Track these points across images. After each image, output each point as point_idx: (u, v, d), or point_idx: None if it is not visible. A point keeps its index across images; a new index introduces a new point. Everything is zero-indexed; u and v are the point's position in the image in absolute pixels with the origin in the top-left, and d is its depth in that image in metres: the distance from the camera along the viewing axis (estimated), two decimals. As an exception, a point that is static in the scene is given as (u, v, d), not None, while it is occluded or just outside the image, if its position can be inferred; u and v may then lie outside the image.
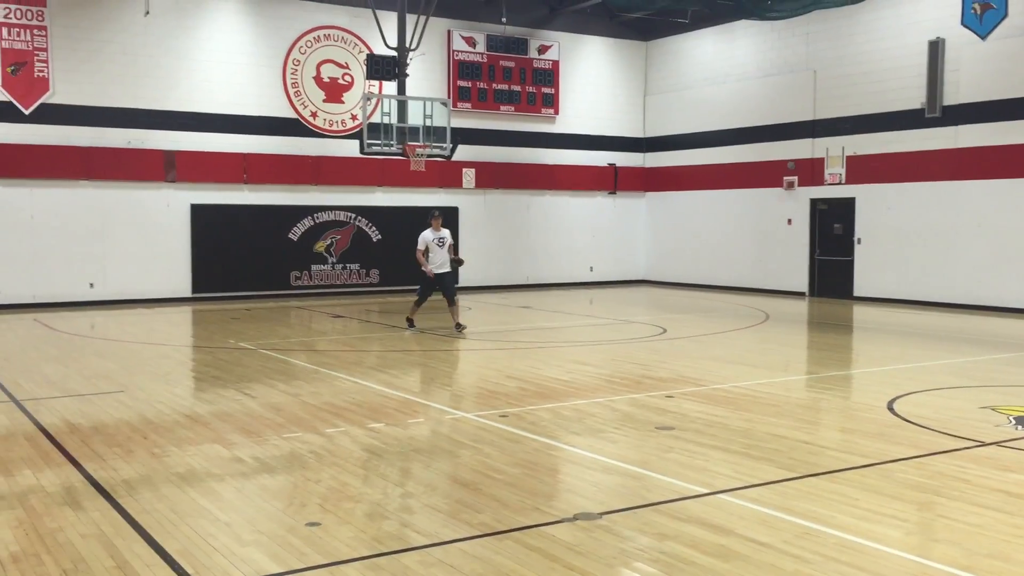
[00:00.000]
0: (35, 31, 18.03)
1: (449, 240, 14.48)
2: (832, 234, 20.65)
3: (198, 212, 19.72)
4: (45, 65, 18.14)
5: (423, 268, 14.20)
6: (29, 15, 17.95)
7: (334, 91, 21.21)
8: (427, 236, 14.30)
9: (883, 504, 5.67)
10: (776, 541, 4.99)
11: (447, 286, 14.24)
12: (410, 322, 14.74)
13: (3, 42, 17.77)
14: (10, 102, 17.90)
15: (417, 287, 14.92)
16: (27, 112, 18.05)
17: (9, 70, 17.85)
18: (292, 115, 20.74)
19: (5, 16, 17.75)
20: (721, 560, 4.72)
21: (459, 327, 14.20)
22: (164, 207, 19.44)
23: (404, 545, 4.95)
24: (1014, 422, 7.93)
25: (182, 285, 19.70)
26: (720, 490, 5.95)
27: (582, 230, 24.48)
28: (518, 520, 5.36)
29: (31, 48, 18.01)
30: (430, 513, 5.51)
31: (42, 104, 18.17)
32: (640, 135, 25.33)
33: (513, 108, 23.29)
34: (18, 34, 17.89)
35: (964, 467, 6.50)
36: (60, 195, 18.43)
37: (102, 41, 18.68)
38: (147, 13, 18.86)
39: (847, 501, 5.72)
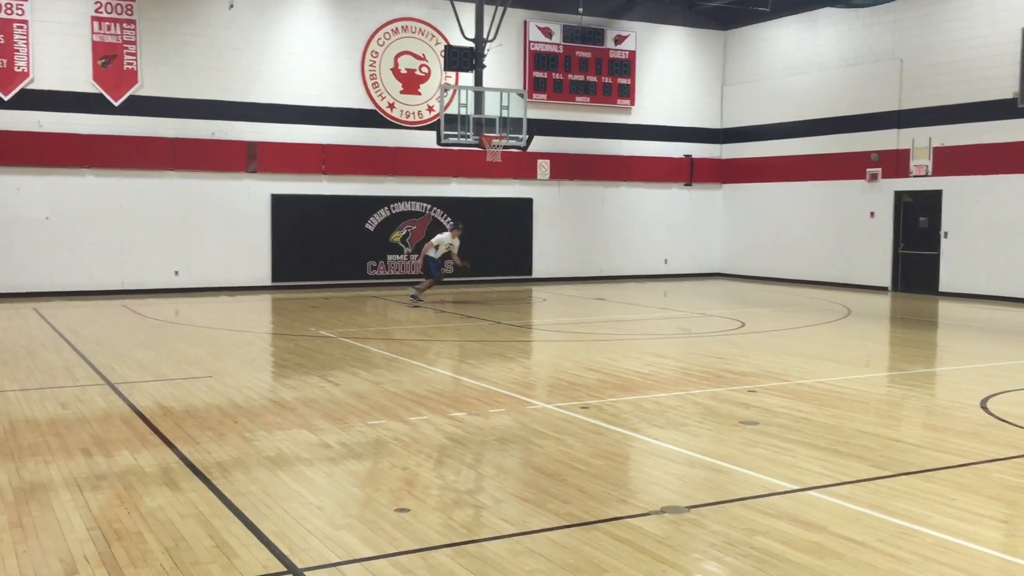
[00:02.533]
0: (124, 25, 18.56)
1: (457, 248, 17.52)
2: (917, 227, 20.11)
3: (278, 202, 20.10)
4: (134, 58, 18.66)
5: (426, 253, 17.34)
6: (119, 9, 18.47)
7: (411, 82, 21.38)
8: (444, 239, 17.43)
9: (981, 505, 5.51)
10: (871, 540, 4.88)
11: (439, 277, 17.86)
12: (416, 298, 17.40)
13: (94, 35, 18.34)
14: (100, 94, 18.46)
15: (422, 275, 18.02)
16: (116, 104, 18.59)
17: (100, 63, 18.41)
18: (370, 106, 20.98)
19: (96, 10, 18.31)
20: (815, 557, 4.65)
21: (415, 298, 17.35)
22: (246, 197, 19.87)
23: (493, 533, 4.98)
24: (1117, 424, 7.62)
25: (262, 273, 20.12)
26: (810, 487, 5.85)
27: (657, 222, 24.28)
28: (605, 511, 5.35)
29: (120, 41, 18.55)
30: (517, 502, 5.53)
31: (131, 96, 18.71)
32: (717, 126, 24.99)
33: (589, 99, 23.18)
34: (108, 28, 18.43)
35: (1066, 469, 6.28)
36: (147, 185, 18.97)
37: (188, 34, 19.14)
38: (231, 6, 19.28)
39: (943, 501, 5.57)
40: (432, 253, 17.28)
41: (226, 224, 19.68)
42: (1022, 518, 5.41)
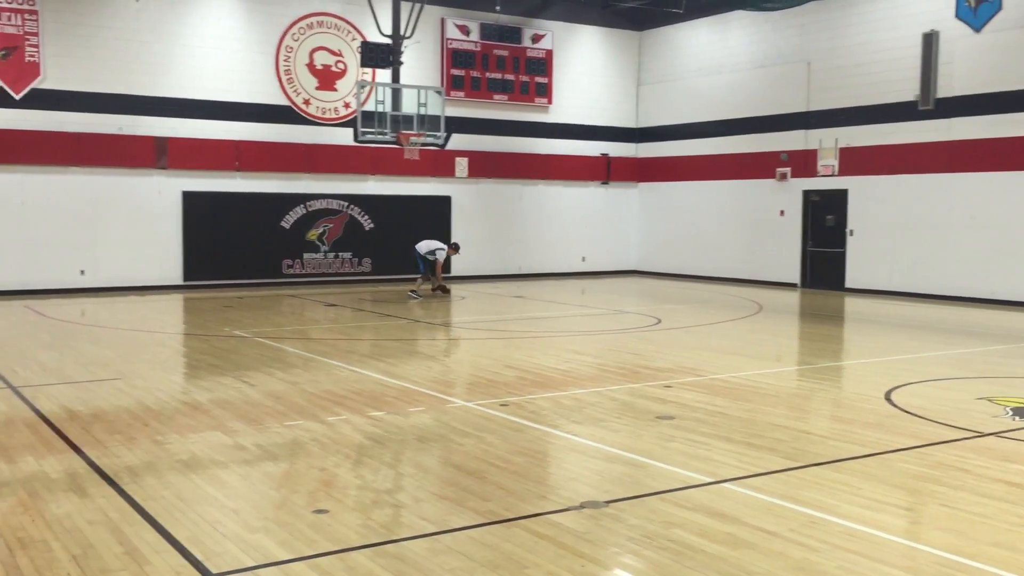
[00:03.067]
0: (26, 15, 17.87)
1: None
2: (824, 225, 20.72)
3: (190, 199, 19.62)
4: (36, 50, 17.98)
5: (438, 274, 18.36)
6: (20, 0, 17.79)
7: (327, 78, 21.11)
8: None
9: (886, 493, 5.71)
10: (783, 530, 5.01)
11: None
12: (415, 293, 18.14)
13: (-7, 26, 17.62)
14: (0, 87, 17.74)
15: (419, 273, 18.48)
16: (17, 97, 17.89)
17: (-1, 54, 17.70)
18: (285, 102, 20.63)
19: (-5, 0, 17.59)
20: (730, 548, 4.75)
21: (414, 293, 18.14)
22: (155, 194, 19.34)
23: (412, 532, 4.96)
24: (1011, 413, 7.99)
25: (173, 272, 19.62)
26: (725, 479, 5.98)
27: (575, 220, 24.48)
28: (525, 508, 5.38)
29: (22, 32, 17.85)
30: (436, 501, 5.51)
31: (33, 89, 18.01)
32: (633, 125, 25.33)
33: (507, 97, 23.24)
34: (9, 18, 17.72)
35: (964, 457, 6.54)
36: (51, 181, 18.30)
37: (94, 26, 18.53)
38: (139, -2, 18.74)
39: (851, 490, 5.76)
40: (422, 250, 18.16)
41: (135, 222, 19.12)
42: (924, 505, 5.62)
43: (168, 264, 19.54)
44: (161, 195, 19.39)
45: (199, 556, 4.56)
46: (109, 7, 18.65)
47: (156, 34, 19.14)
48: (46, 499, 5.43)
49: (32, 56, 17.95)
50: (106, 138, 18.69)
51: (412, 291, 18.24)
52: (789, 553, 4.69)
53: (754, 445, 6.86)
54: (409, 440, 7.03)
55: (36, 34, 17.96)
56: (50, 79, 18.16)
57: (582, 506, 5.40)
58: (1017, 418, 7.80)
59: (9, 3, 17.70)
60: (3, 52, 17.71)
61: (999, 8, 17.32)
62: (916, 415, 7.90)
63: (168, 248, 19.51)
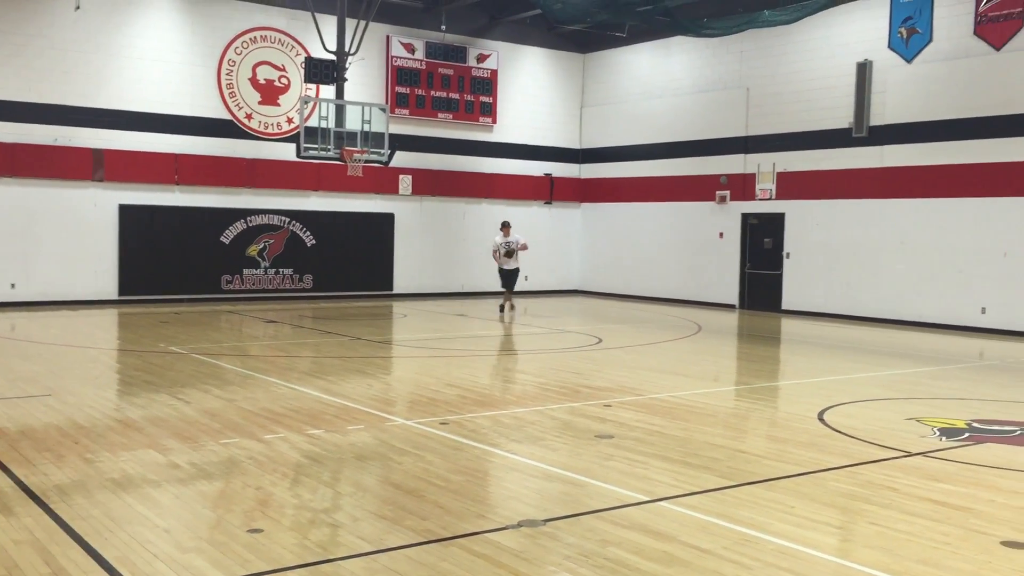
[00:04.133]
0: (-41, 22, 17.44)
1: (518, 243, 18.67)
2: (762, 248, 21.12)
3: (126, 213, 19.27)
4: (-31, 57, 17.55)
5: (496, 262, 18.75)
6: (-47, 5, 17.35)
7: (270, 93, 20.95)
8: (496, 240, 18.72)
9: (817, 512, 5.83)
10: (717, 547, 5.09)
11: (508, 280, 18.79)
12: (503, 308, 18.81)
13: (-76, 32, 17.16)
14: (-70, 94, 17.28)
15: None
16: (-52, 105, 17.44)
17: (-70, 61, 17.22)
18: (226, 116, 20.42)
19: (-73, 5, 17.14)
20: (664, 566, 4.80)
21: (510, 307, 18.71)
22: (91, 207, 18.96)
23: (349, 552, 4.92)
24: (938, 433, 8.21)
25: (108, 287, 19.21)
26: (661, 497, 6.05)
27: (517, 239, 24.54)
28: (463, 527, 5.37)
29: (-46, 39, 17.41)
30: (374, 520, 5.48)
31: (-36, 97, 17.58)
32: (577, 146, 25.57)
33: (451, 116, 23.30)
34: (-60, 24, 17.28)
35: (893, 476, 6.71)
36: (-18, 192, 17.84)
37: (30, 35, 18.15)
38: (78, 7, 18.42)
39: (783, 508, 5.86)
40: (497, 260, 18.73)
41: (69, 235, 18.70)
42: (853, 524, 5.74)
43: (103, 278, 19.14)
44: (97, 208, 19.01)
45: (129, 577, 4.47)
46: (46, 16, 18.30)
47: (94, 44, 18.82)
48: (-31, 519, 5.28)
49: (-36, 63, 17.51)
50: (41, 149, 18.29)
51: (507, 307, 18.72)
52: (722, 571, 4.76)
53: (690, 464, 6.95)
54: (347, 458, 6.98)
55: (-31, 41, 17.53)
56: (-17, 87, 17.74)
57: (520, 525, 5.42)
58: (944, 438, 8.02)
59: (-59, 9, 17.27)
60: (-66, 59, 17.24)
61: (929, 40, 17.90)
62: (848, 435, 8.08)
63: (103, 262, 19.12)
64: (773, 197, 20.76)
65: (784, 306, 20.49)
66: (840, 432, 8.18)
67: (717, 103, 21.91)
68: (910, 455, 7.38)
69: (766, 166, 20.87)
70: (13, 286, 18.19)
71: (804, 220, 20.13)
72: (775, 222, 20.73)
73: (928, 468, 7.00)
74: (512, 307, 18.82)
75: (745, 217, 21.42)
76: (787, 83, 20.40)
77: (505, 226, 18.86)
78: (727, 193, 21.69)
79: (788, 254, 20.48)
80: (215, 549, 4.90)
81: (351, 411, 8.71)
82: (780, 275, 20.64)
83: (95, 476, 6.26)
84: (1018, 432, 8.36)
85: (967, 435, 8.16)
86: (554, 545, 5.10)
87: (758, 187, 21.06)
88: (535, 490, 6.33)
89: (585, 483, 6.41)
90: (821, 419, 8.75)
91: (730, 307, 21.49)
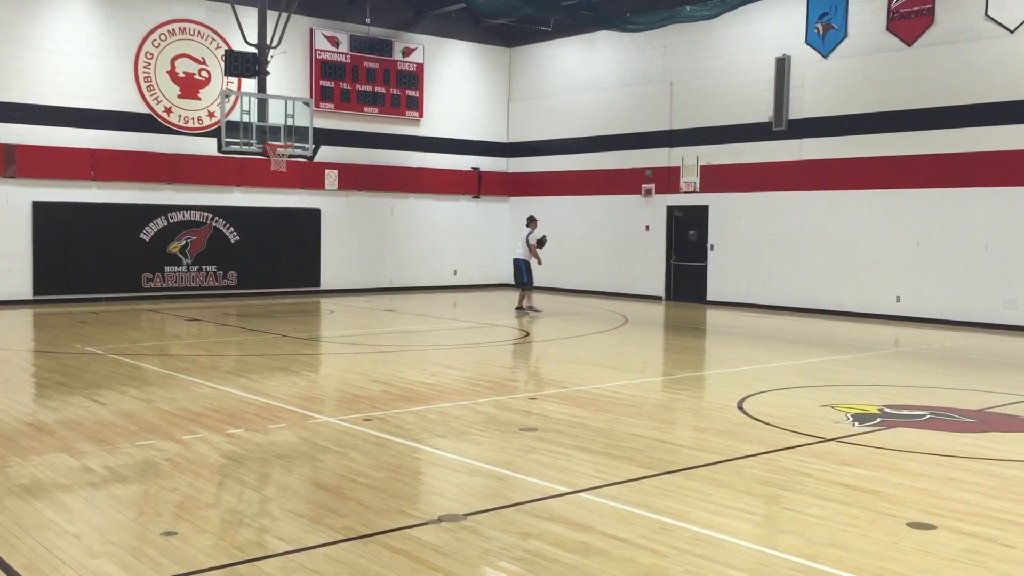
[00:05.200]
0: None
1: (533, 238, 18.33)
2: (687, 240, 21.44)
3: (40, 210, 18.69)
4: None
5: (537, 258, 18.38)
6: None
7: (190, 87, 20.52)
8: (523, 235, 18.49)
9: (733, 499, 5.95)
10: (634, 536, 5.16)
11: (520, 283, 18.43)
12: (532, 308, 18.09)
13: None
14: None
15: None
16: None
17: None
18: (144, 110, 19.94)
19: None
20: (582, 556, 4.85)
21: (530, 309, 18.04)
22: (3, 204, 18.34)
23: (265, 552, 4.86)
24: (851, 419, 8.45)
25: (22, 287, 18.63)
26: (581, 488, 6.11)
27: (446, 233, 24.53)
28: (383, 523, 5.35)
29: None
30: (292, 519, 5.42)
31: None
32: (504, 140, 25.61)
33: (377, 110, 23.13)
34: None
35: (807, 462, 6.88)
36: None
37: (-66, 25, 17.48)
38: (-15, -3, 17.78)
39: (700, 496, 5.97)
40: (520, 254, 18.22)
41: (-20, 233, 18.08)
42: (767, 509, 5.88)
43: (16, 278, 18.55)
44: (9, 205, 18.41)
45: (35, 585, 4.35)
46: (-49, 6, 17.63)
47: (6, 36, 18.21)
48: None
49: None
50: (-53, 144, 17.63)
51: (526, 308, 18.09)
52: (639, 559, 4.83)
53: (612, 455, 7.03)
54: (268, 457, 6.89)
55: None
56: None
57: (440, 520, 5.42)
58: (856, 424, 8.26)
59: None
60: None
61: (844, 36, 18.36)
62: (765, 422, 8.26)
63: (16, 261, 18.53)
64: (697, 190, 21.08)
65: (709, 297, 20.84)
66: (758, 420, 8.36)
67: (642, 97, 22.15)
68: (824, 441, 7.58)
69: (690, 159, 21.18)
70: (-80, 287, 17.52)
71: (727, 212, 20.49)
72: (699, 215, 21.06)
73: (840, 453, 7.20)
74: (531, 308, 18.28)
75: (670, 210, 21.71)
76: (709, 77, 20.73)
77: (533, 221, 18.65)
78: (652, 186, 21.96)
79: (712, 246, 20.83)
80: (126, 553, 4.79)
81: (273, 409, 8.60)
82: (704, 267, 20.98)
83: (3, 482, 6.07)
84: (927, 416, 8.65)
85: (879, 420, 8.41)
86: (474, 539, 5.11)
87: (682, 180, 21.36)
88: (458, 485, 6.34)
89: (508, 476, 6.44)
90: (740, 407, 8.93)
91: (657, 299, 21.78)
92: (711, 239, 20.86)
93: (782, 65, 19.26)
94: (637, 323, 17.01)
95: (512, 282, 18.62)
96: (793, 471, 6.63)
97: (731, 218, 20.42)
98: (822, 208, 18.79)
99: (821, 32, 18.71)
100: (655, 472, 6.56)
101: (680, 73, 21.33)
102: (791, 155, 19.32)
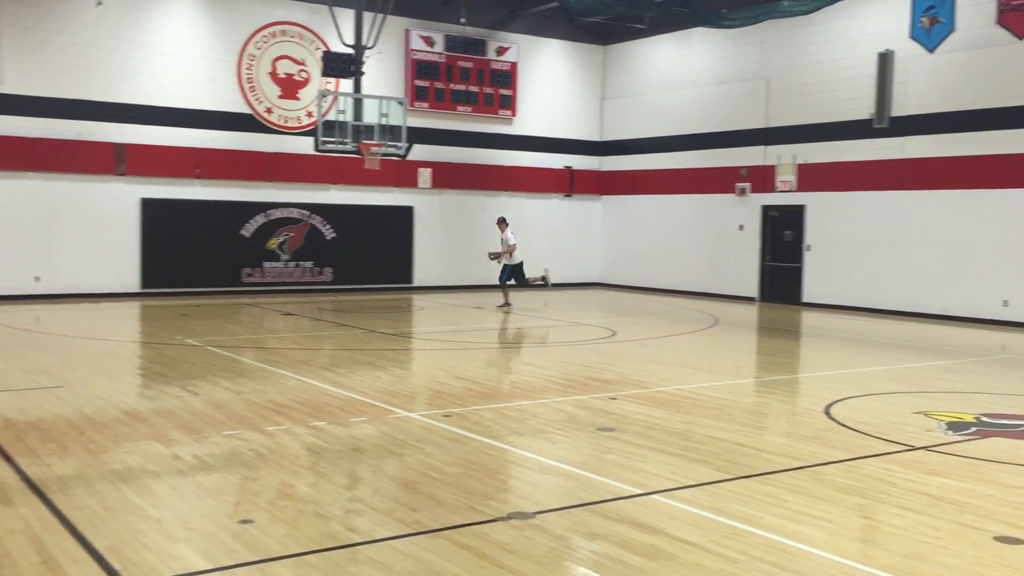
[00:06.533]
0: (-17, 19, 17.70)
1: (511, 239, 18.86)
2: (782, 240, 20.96)
3: (148, 206, 19.49)
4: (-7, 54, 17.81)
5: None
6: (-23, 2, 17.61)
7: (290, 87, 21.08)
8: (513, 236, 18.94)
9: (811, 506, 5.79)
10: (704, 541, 5.08)
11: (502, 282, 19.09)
12: (505, 304, 18.62)
13: (-51, 29, 17.43)
14: (-44, 90, 17.56)
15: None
16: (-27, 101, 17.72)
17: (-45, 58, 17.49)
18: (246, 110, 20.57)
19: (-48, 3, 17.42)
20: (649, 559, 4.80)
21: (503, 305, 18.59)
22: (113, 201, 19.19)
23: (336, 543, 4.97)
24: (945, 427, 8.13)
25: (131, 280, 19.46)
26: (654, 491, 6.04)
27: (537, 232, 24.54)
28: (452, 519, 5.40)
29: (-22, 36, 17.67)
30: (365, 511, 5.52)
31: (-11, 93, 17.86)
32: (597, 138, 25.50)
33: (470, 109, 23.32)
34: (-35, 21, 17.54)
35: (892, 471, 6.65)
36: (6, 186, 18.10)
37: (52, 31, 18.38)
38: (99, 3, 18.63)
39: (776, 502, 5.84)
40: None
41: (92, 228, 18.95)
42: (846, 518, 5.70)
43: (125, 271, 19.38)
44: (119, 202, 19.24)
45: (116, 566, 4.54)
46: (67, 12, 18.52)
47: (115, 40, 19.02)
48: (-32, 508, 5.39)
49: (-12, 60, 17.77)
50: (64, 144, 18.53)
51: (505, 303, 18.65)
52: (707, 564, 4.75)
53: (688, 457, 6.93)
54: (346, 450, 7.04)
55: (-7, 38, 17.79)
56: (7, 83, 17.99)
57: (510, 517, 5.44)
58: (950, 432, 7.94)
59: (-34, 6, 17.54)
60: (-41, 55, 17.51)
61: (951, 29, 17.65)
62: (852, 428, 8.02)
63: (125, 255, 19.35)
64: (794, 189, 20.58)
65: (804, 299, 20.33)
66: (844, 426, 8.12)
67: (737, 94, 21.75)
68: (913, 449, 7.31)
69: (786, 158, 20.70)
70: (38, 279, 18.46)
71: (825, 212, 19.94)
72: (795, 214, 20.56)
73: (929, 462, 6.93)
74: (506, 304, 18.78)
75: (765, 209, 21.25)
76: (808, 74, 20.21)
77: (504, 222, 19.29)
78: (747, 185, 21.54)
79: (809, 246, 20.31)
80: (204, 540, 4.96)
81: (357, 403, 8.77)
82: (800, 267, 20.47)
83: (96, 467, 6.36)
84: (1027, 427, 8.26)
85: (974, 429, 8.07)
86: (541, 538, 5.11)
87: (778, 179, 20.89)
88: (530, 483, 6.35)
89: (581, 476, 6.42)
90: (827, 413, 8.69)
91: (750, 300, 21.36)
92: (807, 239, 20.33)
93: (885, 60, 18.63)
94: (727, 324, 16.72)
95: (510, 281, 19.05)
96: (877, 479, 6.42)
97: (829, 218, 19.86)
98: (926, 208, 18.11)
99: (927, 26, 18.02)
100: (731, 476, 6.45)
101: (777, 69, 20.86)
102: (894, 153, 18.68)
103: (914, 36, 18.26)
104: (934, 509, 5.75)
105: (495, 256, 19.11)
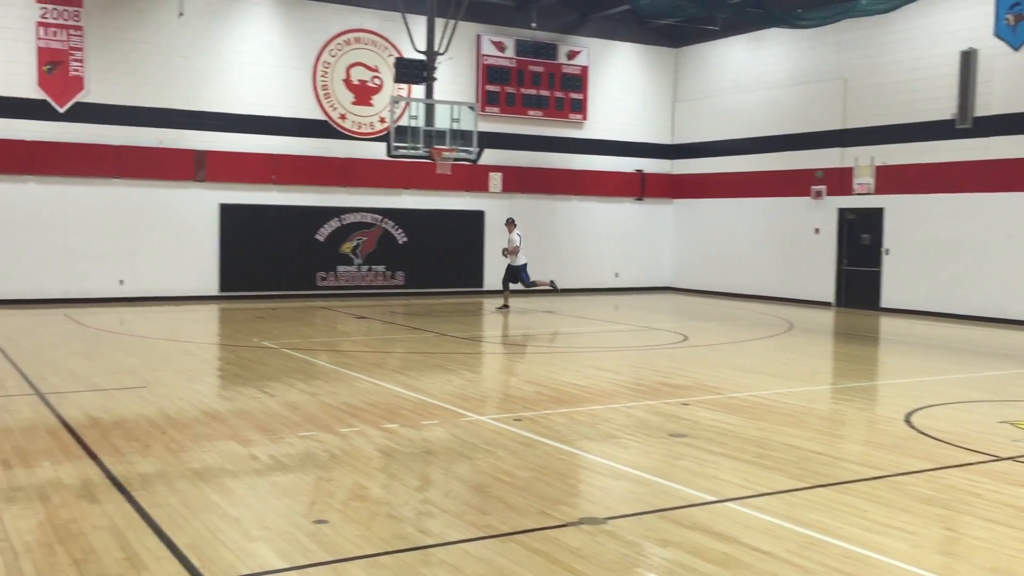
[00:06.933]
0: (71, 31, 18.35)
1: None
2: (860, 244, 20.48)
3: (227, 211, 19.96)
4: (80, 64, 18.45)
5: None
6: (66, 15, 18.26)
7: (363, 94, 21.38)
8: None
9: (891, 516, 5.65)
10: (780, 550, 4.99)
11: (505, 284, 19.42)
12: (503, 306, 18.96)
13: (39, 41, 18.10)
14: (45, 100, 18.22)
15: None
16: (61, 111, 18.36)
17: (45, 69, 18.17)
18: (321, 117, 20.93)
19: (42, 16, 18.08)
20: (723, 568, 4.73)
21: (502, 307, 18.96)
22: (194, 206, 19.70)
23: (408, 544, 5.01)
24: (1032, 437, 7.85)
25: (210, 283, 19.95)
26: (727, 498, 5.96)
27: (608, 236, 24.46)
28: (523, 523, 5.40)
29: (67, 47, 18.33)
30: (437, 514, 5.56)
31: (76, 103, 18.48)
32: (668, 142, 25.28)
33: (541, 113, 23.34)
34: (54, 33, 18.21)
35: (976, 481, 6.45)
36: (92, 193, 18.73)
37: (136, 41, 18.98)
38: (181, 14, 19.15)
39: (855, 512, 5.70)
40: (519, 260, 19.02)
41: (173, 233, 19.49)
42: (927, 529, 5.54)
43: (205, 275, 19.88)
44: (199, 207, 19.75)
45: (196, 563, 4.66)
46: (151, 23, 19.09)
47: (197, 49, 19.54)
48: (56, 504, 5.58)
49: (76, 70, 18.42)
50: (146, 151, 19.10)
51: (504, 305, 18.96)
52: (782, 574, 4.67)
53: (762, 465, 6.82)
54: (418, 453, 7.10)
55: (80, 49, 18.43)
56: (93, 93, 18.62)
57: (581, 522, 5.42)
58: (1038, 443, 7.66)
59: (55, 19, 18.20)
60: (48, 66, 18.20)
61: (1039, 26, 17.06)
62: (934, 437, 7.80)
63: (205, 259, 19.85)
64: (872, 191, 20.11)
65: (883, 304, 19.83)
66: (926, 435, 7.90)
67: (813, 95, 21.35)
68: (998, 459, 7.08)
69: (864, 159, 20.24)
70: (122, 282, 19.05)
71: (905, 215, 19.44)
72: (873, 217, 20.08)
73: (1016, 473, 6.70)
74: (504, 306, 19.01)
75: (842, 212, 20.81)
76: (887, 74, 19.73)
77: (513, 223, 19.41)
78: (823, 188, 21.13)
79: (888, 250, 19.81)
80: (280, 539, 5.05)
81: (428, 406, 8.84)
82: (879, 272, 19.98)
83: (177, 466, 6.53)
84: (1121, 438, 7.91)
85: (1064, 440, 7.77)
86: (612, 543, 5.08)
87: (856, 181, 20.44)
88: (601, 488, 6.32)
89: (652, 482, 6.37)
90: (908, 421, 8.46)
91: (826, 305, 20.93)
92: (886, 243, 19.84)
93: (968, 59, 18.08)
94: (802, 329, 16.41)
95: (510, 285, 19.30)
96: (960, 490, 6.23)
97: (908, 221, 19.34)
98: (1011, 210, 17.52)
99: (1012, 23, 17.45)
100: (807, 485, 6.32)
101: (854, 70, 20.41)
102: (977, 154, 18.11)
103: (998, 33, 17.70)
104: (1020, 521, 5.56)
105: (507, 253, 19.17)
